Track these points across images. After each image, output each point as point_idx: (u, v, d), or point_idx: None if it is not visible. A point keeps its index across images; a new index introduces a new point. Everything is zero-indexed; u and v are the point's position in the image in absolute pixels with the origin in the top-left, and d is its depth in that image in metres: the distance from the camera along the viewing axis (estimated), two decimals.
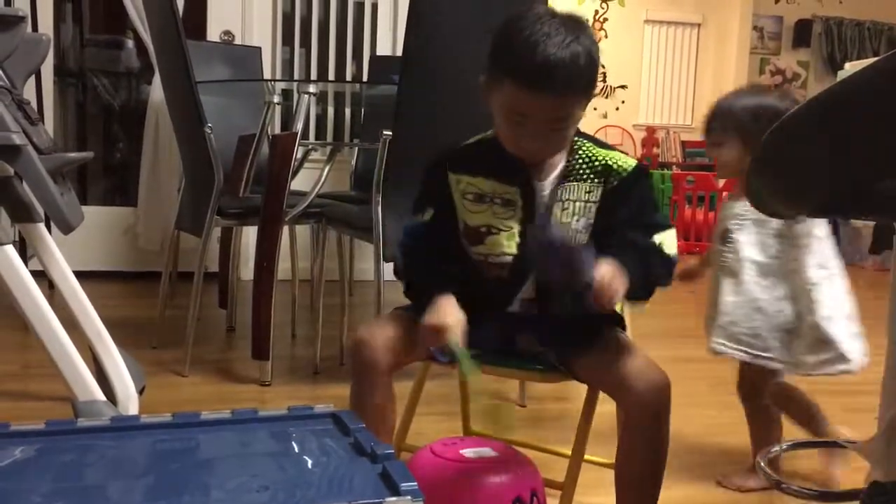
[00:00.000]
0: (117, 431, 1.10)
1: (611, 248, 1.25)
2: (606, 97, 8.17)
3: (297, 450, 1.09)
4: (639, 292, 1.27)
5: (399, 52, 2.53)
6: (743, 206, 1.69)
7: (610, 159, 1.34)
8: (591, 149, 1.35)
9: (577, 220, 1.32)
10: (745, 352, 1.68)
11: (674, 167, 7.99)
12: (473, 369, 1.19)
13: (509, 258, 1.33)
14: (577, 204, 1.32)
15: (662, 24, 8.25)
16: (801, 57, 8.43)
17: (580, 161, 1.34)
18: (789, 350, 1.68)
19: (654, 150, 8.21)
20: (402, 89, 2.17)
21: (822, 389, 2.57)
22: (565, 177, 1.33)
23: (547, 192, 1.33)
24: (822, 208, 1.06)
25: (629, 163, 1.34)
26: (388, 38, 4.18)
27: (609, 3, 8.10)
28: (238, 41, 3.94)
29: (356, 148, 3.67)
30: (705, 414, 2.28)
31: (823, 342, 1.63)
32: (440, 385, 2.11)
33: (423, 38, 2.15)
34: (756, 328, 1.67)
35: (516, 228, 1.33)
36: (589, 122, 8.05)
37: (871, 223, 5.30)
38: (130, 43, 4.69)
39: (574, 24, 1.25)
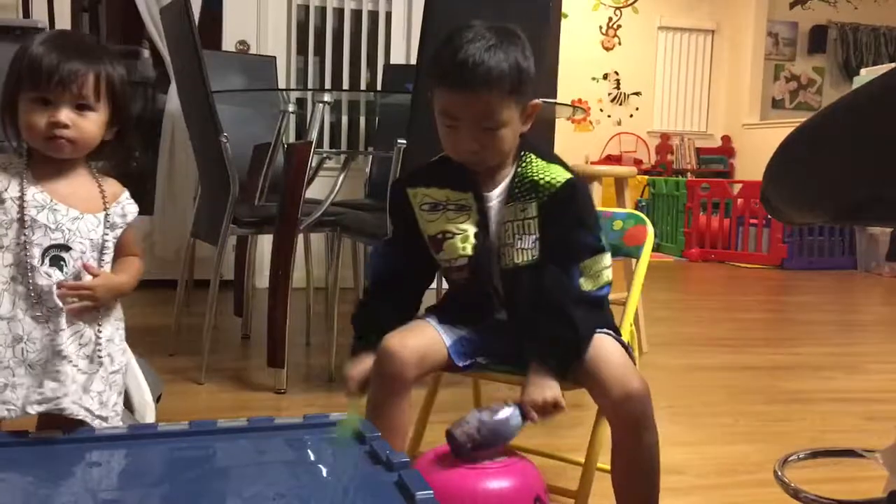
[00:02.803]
0: (135, 439, 1.11)
1: (537, 309, 1.30)
2: (620, 104, 8.17)
3: (312, 458, 1.09)
4: (569, 358, 1.30)
5: (413, 61, 2.54)
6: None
7: (539, 175, 1.34)
8: (530, 164, 1.36)
9: (520, 239, 1.35)
10: None
11: (688, 174, 7.97)
12: (346, 434, 1.16)
13: (465, 259, 1.37)
14: (516, 224, 1.35)
15: (676, 31, 8.24)
16: (817, 63, 8.40)
17: (517, 180, 1.36)
18: None
19: (669, 156, 8.19)
20: (417, 98, 2.17)
21: (839, 398, 2.56)
22: (507, 196, 1.36)
23: (494, 202, 1.37)
24: (838, 216, 1.05)
25: (559, 178, 1.34)
26: (402, 47, 4.20)
27: (623, 9, 8.10)
28: (253, 51, 3.97)
29: (370, 156, 3.68)
30: (721, 422, 2.27)
31: None
32: (452, 393, 2.11)
33: (438, 46, 2.16)
34: None
35: (470, 231, 1.36)
36: (603, 128, 8.08)
37: (888, 230, 5.26)
38: (147, 53, 4.72)
39: (505, 35, 1.30)
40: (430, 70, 1.34)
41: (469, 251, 1.36)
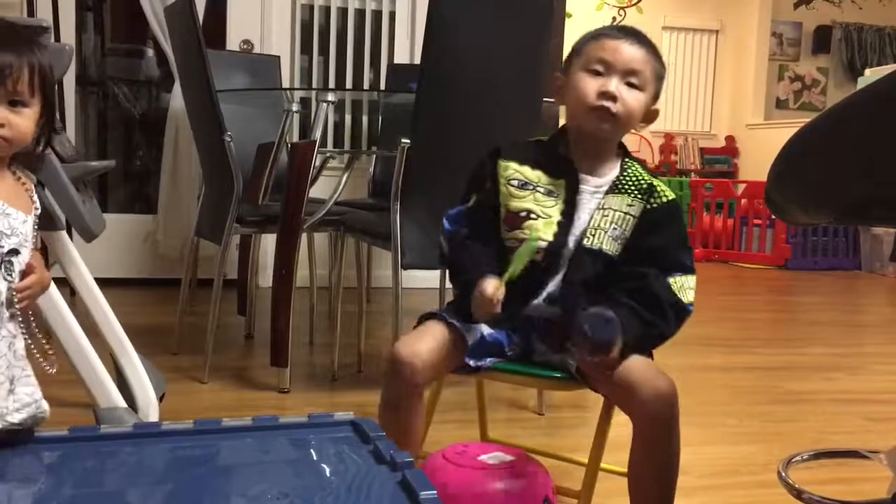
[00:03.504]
0: (139, 438, 1.11)
1: (632, 293, 1.32)
2: None
3: (316, 457, 1.09)
4: (645, 347, 1.33)
5: (417, 60, 2.54)
6: None
7: (654, 182, 1.42)
8: (639, 170, 1.43)
9: (614, 229, 1.38)
10: None
11: (692, 174, 7.96)
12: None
13: (543, 244, 1.37)
14: (618, 213, 1.38)
15: (680, 31, 8.23)
16: (821, 63, 8.38)
17: (628, 178, 1.41)
18: None
19: (672, 156, 8.18)
20: (420, 97, 2.17)
21: (842, 399, 2.55)
22: (612, 188, 1.40)
23: (590, 190, 1.40)
24: (842, 216, 1.05)
25: (669, 193, 1.42)
26: (406, 47, 4.20)
27: (627, 9, 8.09)
28: (257, 50, 3.97)
29: (374, 156, 3.69)
30: (724, 422, 2.26)
31: None
32: (456, 393, 2.11)
33: (441, 46, 2.16)
34: None
35: (555, 217, 1.38)
36: None
37: (893, 230, 5.25)
38: (151, 52, 4.73)
39: (650, 40, 1.42)
40: (584, 39, 1.41)
41: (550, 237, 1.37)
